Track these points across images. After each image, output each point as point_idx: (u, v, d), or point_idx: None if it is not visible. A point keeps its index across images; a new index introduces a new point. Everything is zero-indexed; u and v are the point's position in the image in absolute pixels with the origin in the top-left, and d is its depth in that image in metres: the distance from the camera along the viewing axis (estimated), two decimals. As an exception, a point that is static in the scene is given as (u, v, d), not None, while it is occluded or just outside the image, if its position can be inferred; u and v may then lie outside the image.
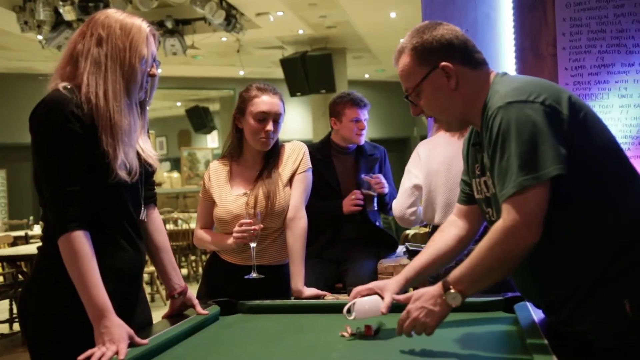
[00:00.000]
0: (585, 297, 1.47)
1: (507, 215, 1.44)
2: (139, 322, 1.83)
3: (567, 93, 1.52)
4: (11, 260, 5.83)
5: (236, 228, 2.36)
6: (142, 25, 1.77)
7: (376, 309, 1.73)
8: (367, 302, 1.76)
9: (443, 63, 1.61)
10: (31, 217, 9.78)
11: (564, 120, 1.45)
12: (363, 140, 3.40)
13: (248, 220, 2.34)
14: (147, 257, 1.98)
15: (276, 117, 2.48)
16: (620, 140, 3.33)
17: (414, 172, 3.05)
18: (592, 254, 1.48)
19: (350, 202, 3.24)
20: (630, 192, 1.51)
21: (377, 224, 3.44)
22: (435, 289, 1.57)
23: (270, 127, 2.45)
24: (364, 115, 3.36)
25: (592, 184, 1.48)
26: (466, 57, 1.64)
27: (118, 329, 1.56)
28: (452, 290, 1.54)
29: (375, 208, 3.29)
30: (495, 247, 1.47)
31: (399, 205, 3.09)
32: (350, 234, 3.33)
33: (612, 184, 1.50)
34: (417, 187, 3.03)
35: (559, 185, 1.44)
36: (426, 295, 1.59)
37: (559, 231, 1.50)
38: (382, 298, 1.77)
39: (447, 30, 1.65)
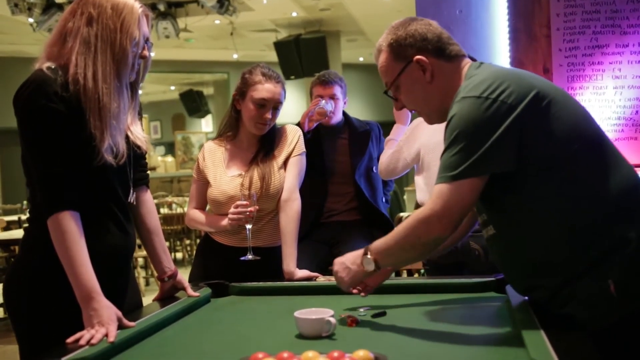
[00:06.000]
0: (568, 281, 1.49)
1: (427, 204, 1.54)
2: (129, 305, 1.82)
3: (535, 85, 1.53)
4: (5, 244, 5.84)
5: (232, 209, 2.35)
6: (134, 5, 1.72)
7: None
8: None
9: (417, 57, 1.67)
10: (25, 202, 9.75)
11: (516, 114, 1.48)
12: (333, 120, 3.29)
13: (244, 202, 2.33)
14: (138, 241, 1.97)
15: (276, 105, 2.47)
16: (613, 121, 3.32)
17: (405, 155, 3.06)
18: (570, 238, 1.49)
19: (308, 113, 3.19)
20: (608, 174, 1.51)
21: (383, 200, 3.42)
22: (360, 251, 1.69)
23: (269, 114, 2.45)
24: (329, 90, 3.26)
25: (559, 169, 1.50)
26: (440, 50, 1.69)
27: (107, 311, 1.55)
28: (369, 256, 1.65)
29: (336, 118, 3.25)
30: (409, 230, 1.57)
31: (389, 172, 3.15)
32: (345, 215, 3.31)
33: (585, 168, 1.51)
34: (407, 167, 3.07)
35: (522, 174, 1.49)
36: (352, 255, 1.72)
37: (532, 218, 1.52)
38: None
39: (421, 24, 1.71)
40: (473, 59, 1.74)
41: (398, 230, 1.61)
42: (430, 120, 1.78)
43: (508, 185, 1.52)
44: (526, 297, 1.65)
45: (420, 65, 1.67)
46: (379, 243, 1.65)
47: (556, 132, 1.50)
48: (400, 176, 3.26)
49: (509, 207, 1.56)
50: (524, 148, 1.48)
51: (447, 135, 1.54)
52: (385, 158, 3.16)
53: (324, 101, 3.20)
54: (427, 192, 3.03)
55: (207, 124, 15.84)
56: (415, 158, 3.05)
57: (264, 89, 2.44)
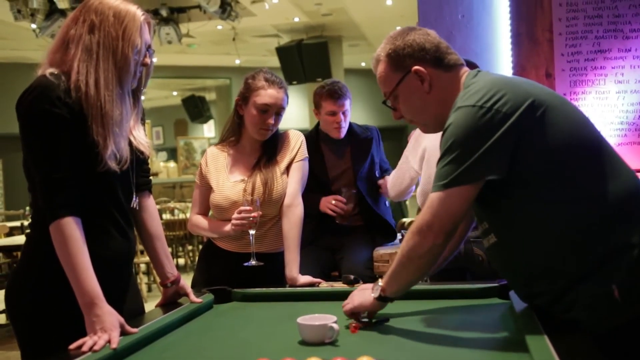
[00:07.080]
0: (571, 286, 1.49)
1: (419, 215, 1.55)
2: (130, 311, 1.81)
3: (531, 94, 1.52)
4: (7, 250, 5.84)
5: (235, 215, 2.35)
6: (136, 12, 1.73)
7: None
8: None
9: (415, 67, 1.68)
10: (27, 208, 9.73)
11: (511, 123, 1.48)
12: (343, 133, 3.28)
13: (247, 207, 2.33)
14: (139, 247, 1.97)
15: (279, 110, 2.47)
16: (616, 126, 3.32)
17: (412, 163, 3.05)
18: (572, 243, 1.49)
19: (328, 204, 3.17)
20: (608, 178, 1.51)
21: (386, 204, 3.42)
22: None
23: (271, 120, 2.45)
24: (342, 107, 3.23)
25: (558, 175, 1.50)
26: (438, 59, 1.69)
27: (109, 317, 1.54)
28: (379, 282, 1.67)
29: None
30: (405, 244, 1.59)
31: (397, 191, 3.11)
32: (346, 222, 3.31)
33: (584, 173, 1.51)
34: (414, 179, 3.06)
35: (521, 181, 1.49)
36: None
37: (533, 224, 1.52)
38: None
39: (419, 34, 1.71)
40: (475, 65, 1.74)
41: (399, 250, 1.62)
42: (427, 129, 1.79)
43: (508, 191, 1.52)
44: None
45: (419, 76, 1.67)
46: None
47: (553, 139, 1.50)
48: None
49: (510, 214, 1.56)
50: (521, 155, 1.49)
51: (442, 145, 1.55)
52: (391, 177, 3.16)
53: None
54: (425, 196, 3.02)
55: (209, 130, 15.85)
56: (426, 166, 3.02)
57: (266, 94, 2.44)
